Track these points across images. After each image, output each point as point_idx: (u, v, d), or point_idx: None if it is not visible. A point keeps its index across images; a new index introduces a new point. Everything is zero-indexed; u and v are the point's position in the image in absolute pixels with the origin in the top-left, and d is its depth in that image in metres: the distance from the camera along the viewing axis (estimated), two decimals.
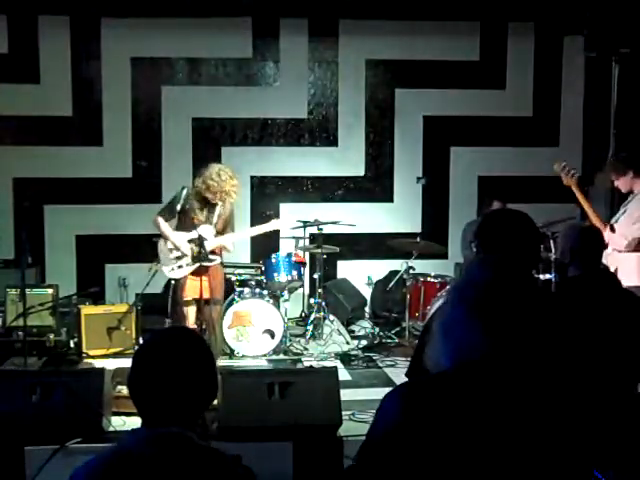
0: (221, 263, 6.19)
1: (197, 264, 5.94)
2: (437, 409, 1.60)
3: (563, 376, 1.70)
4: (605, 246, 3.98)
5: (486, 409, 1.60)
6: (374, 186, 8.82)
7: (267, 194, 8.70)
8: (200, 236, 5.86)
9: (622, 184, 5.66)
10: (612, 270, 5.77)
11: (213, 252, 6.04)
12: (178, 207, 5.97)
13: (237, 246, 8.61)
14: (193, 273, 6.01)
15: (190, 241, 6.00)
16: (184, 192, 6.03)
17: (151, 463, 1.83)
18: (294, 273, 7.27)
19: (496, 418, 1.59)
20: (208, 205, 6.01)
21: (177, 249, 6.02)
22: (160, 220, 6.04)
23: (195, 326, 6.02)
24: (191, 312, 6.08)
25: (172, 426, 1.90)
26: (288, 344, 7.07)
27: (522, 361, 1.62)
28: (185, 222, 6.02)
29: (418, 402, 1.63)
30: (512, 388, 1.61)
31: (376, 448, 1.65)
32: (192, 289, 6.01)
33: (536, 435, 1.60)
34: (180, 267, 6.05)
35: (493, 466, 1.57)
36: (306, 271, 7.68)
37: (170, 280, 6.27)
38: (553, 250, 6.52)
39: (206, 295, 5.85)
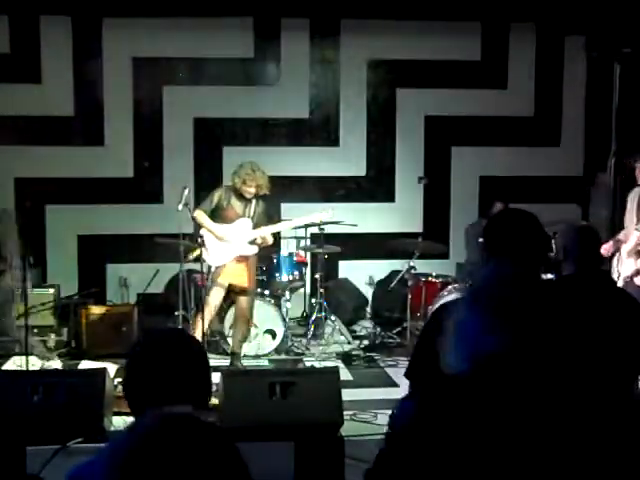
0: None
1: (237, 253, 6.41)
2: (456, 408, 1.63)
3: (575, 372, 1.72)
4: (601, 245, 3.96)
5: (507, 406, 1.63)
6: (375, 186, 8.81)
7: (268, 194, 8.66)
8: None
9: None
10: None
11: (253, 243, 6.48)
12: (180, 207, 6.05)
13: None
14: (232, 261, 6.43)
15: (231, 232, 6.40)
16: (185, 192, 6.10)
17: (171, 443, 1.81)
18: (295, 273, 7.28)
19: (517, 415, 1.62)
20: (245, 200, 6.46)
21: (219, 239, 6.36)
22: (201, 213, 6.40)
23: (213, 313, 6.41)
24: (217, 297, 6.37)
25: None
26: (289, 344, 7.08)
27: (539, 358, 1.64)
28: (223, 217, 6.42)
29: (438, 401, 1.65)
30: (531, 386, 1.63)
31: (394, 450, 1.66)
32: (228, 275, 6.40)
33: (555, 430, 1.64)
34: (220, 255, 6.40)
35: (516, 462, 1.59)
36: (307, 271, 7.68)
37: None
38: (554, 250, 6.51)
39: (243, 284, 6.43)
